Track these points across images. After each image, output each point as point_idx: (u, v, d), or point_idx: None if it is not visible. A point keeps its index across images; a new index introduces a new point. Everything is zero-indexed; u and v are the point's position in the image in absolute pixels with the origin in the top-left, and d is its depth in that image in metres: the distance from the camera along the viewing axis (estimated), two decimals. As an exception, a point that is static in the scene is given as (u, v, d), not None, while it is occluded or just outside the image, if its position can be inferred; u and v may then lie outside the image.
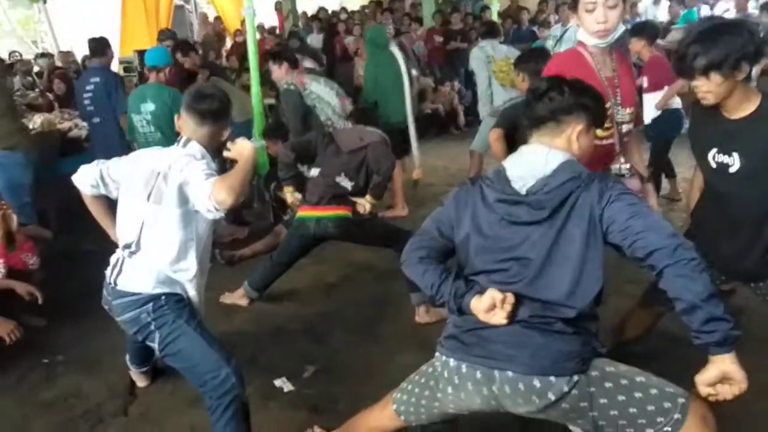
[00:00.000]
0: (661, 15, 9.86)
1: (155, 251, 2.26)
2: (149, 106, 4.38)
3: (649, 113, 4.90)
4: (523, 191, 1.74)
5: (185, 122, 2.37)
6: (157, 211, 2.25)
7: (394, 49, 5.36)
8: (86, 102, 4.99)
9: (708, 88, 2.00)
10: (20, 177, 4.19)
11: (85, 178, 2.46)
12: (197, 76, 5.42)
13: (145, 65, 4.68)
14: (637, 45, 5.00)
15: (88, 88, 4.96)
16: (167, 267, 2.26)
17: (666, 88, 4.87)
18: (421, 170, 5.48)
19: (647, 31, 5.11)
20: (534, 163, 1.76)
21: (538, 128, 1.82)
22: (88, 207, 2.58)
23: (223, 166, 4.50)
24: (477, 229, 1.80)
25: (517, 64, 3.79)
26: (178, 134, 4.26)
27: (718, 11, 8.60)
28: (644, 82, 4.93)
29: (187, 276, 2.31)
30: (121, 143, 4.77)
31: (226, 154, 2.35)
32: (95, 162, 2.48)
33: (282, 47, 5.17)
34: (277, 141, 4.60)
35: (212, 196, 2.05)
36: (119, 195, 2.41)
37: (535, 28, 9.67)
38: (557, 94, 1.78)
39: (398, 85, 5.17)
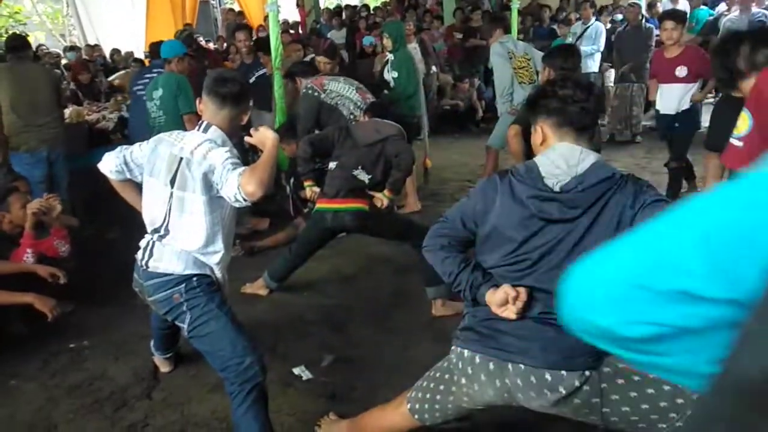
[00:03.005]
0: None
1: (184, 236, 2.30)
2: (159, 92, 4.58)
3: (683, 105, 4.83)
4: (557, 188, 1.74)
5: (206, 106, 2.38)
6: (182, 197, 2.28)
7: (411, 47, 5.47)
8: (137, 88, 5.18)
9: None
10: (28, 176, 4.26)
11: (110, 165, 2.50)
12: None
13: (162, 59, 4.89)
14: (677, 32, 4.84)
15: (148, 75, 5.15)
16: (197, 251, 2.30)
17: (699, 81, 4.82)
18: (429, 159, 5.57)
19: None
20: (568, 161, 1.76)
21: (577, 132, 1.79)
22: (119, 192, 2.62)
23: (244, 151, 4.61)
24: (504, 225, 1.80)
25: (544, 59, 3.87)
26: (180, 117, 4.44)
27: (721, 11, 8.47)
28: (684, 71, 4.79)
29: (215, 259, 2.35)
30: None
31: (247, 139, 2.37)
32: (118, 148, 2.53)
33: (291, 66, 5.29)
34: (291, 141, 4.65)
35: (241, 188, 2.08)
36: (143, 179, 2.45)
37: (554, 26, 9.62)
38: (591, 105, 1.79)
39: (417, 78, 5.31)
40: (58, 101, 4.61)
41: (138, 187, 2.53)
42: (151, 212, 2.39)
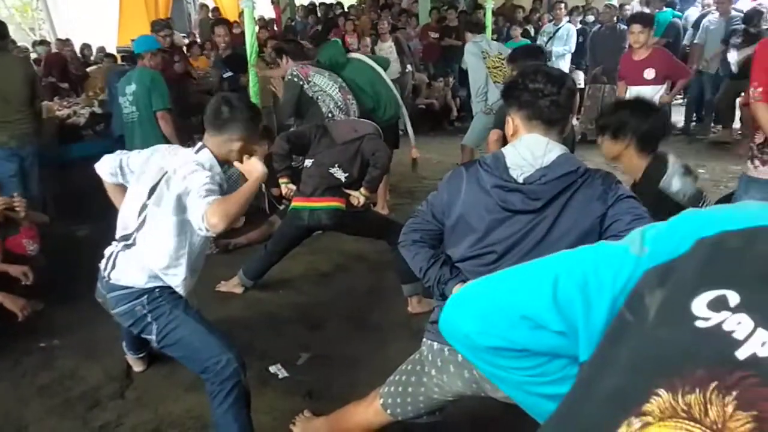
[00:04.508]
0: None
1: (148, 252, 2.24)
2: (132, 87, 4.53)
3: None
4: (520, 179, 1.74)
5: (206, 129, 2.34)
6: (155, 212, 2.24)
7: (355, 56, 5.36)
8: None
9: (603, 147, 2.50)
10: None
11: (106, 167, 2.46)
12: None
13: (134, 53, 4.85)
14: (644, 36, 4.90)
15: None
16: (158, 270, 2.25)
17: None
18: (417, 149, 5.54)
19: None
20: (534, 152, 1.76)
21: (546, 125, 1.79)
22: (109, 196, 2.57)
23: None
24: (469, 214, 1.81)
25: (509, 60, 3.90)
26: (154, 114, 4.39)
27: (692, 15, 8.65)
28: (652, 73, 4.86)
29: (176, 281, 2.28)
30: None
31: (237, 165, 2.32)
32: (117, 152, 2.49)
33: (283, 42, 5.23)
34: (262, 142, 4.61)
35: (205, 218, 2.01)
36: (130, 186, 2.41)
37: (528, 27, 9.71)
38: (562, 99, 1.77)
39: (380, 83, 5.13)
40: (32, 96, 4.52)
41: None
42: (125, 218, 2.35)
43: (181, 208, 2.19)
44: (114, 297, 2.28)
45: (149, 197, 2.25)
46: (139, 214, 2.28)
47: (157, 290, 2.26)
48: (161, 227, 2.23)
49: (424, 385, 1.92)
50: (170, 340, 2.25)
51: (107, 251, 2.36)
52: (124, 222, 2.35)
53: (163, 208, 2.22)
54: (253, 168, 2.24)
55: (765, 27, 6.70)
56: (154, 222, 2.24)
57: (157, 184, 2.25)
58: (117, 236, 2.37)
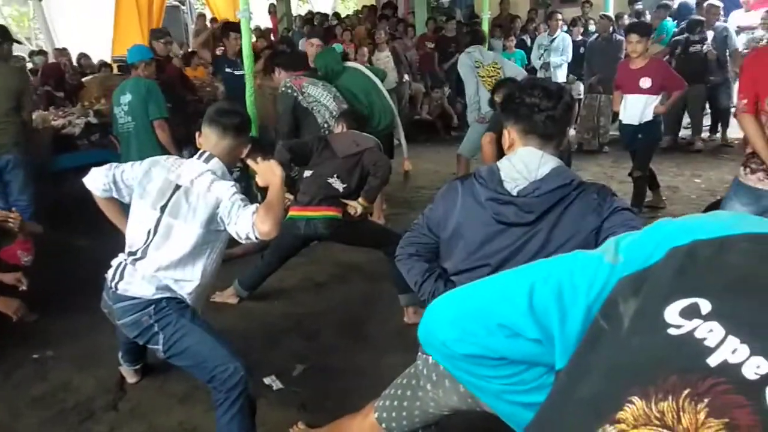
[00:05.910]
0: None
1: (161, 262, 2.25)
2: (127, 97, 4.51)
3: (646, 116, 4.90)
4: (514, 192, 1.74)
5: (206, 137, 2.37)
6: (171, 224, 2.24)
7: (351, 65, 5.34)
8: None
9: None
10: None
11: (97, 182, 2.44)
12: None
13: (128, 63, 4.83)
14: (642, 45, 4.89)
15: None
16: (170, 279, 2.26)
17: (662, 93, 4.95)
18: (409, 161, 5.52)
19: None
20: (528, 165, 1.75)
21: (542, 139, 1.78)
22: (102, 209, 2.56)
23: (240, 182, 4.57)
24: (464, 226, 1.81)
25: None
26: (151, 123, 4.38)
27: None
28: (648, 83, 4.86)
29: (187, 288, 2.30)
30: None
31: (252, 166, 2.36)
32: (107, 165, 2.47)
33: (275, 53, 5.19)
34: (256, 155, 4.59)
35: (256, 227, 2.10)
36: (132, 201, 2.39)
37: (524, 37, 9.73)
38: (558, 113, 1.76)
39: (375, 92, 5.12)
40: (17, 107, 4.46)
41: (122, 206, 2.48)
42: (133, 234, 2.34)
43: (209, 220, 2.22)
44: (120, 307, 2.28)
45: (162, 211, 2.26)
46: (151, 228, 2.28)
47: (164, 301, 2.26)
48: (180, 239, 2.24)
49: (419, 399, 1.90)
50: (177, 349, 2.25)
51: (114, 262, 2.36)
52: (132, 238, 2.34)
53: (182, 219, 2.23)
54: (272, 174, 2.27)
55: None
56: (171, 234, 2.25)
57: (170, 197, 2.25)
58: (125, 251, 2.36)
